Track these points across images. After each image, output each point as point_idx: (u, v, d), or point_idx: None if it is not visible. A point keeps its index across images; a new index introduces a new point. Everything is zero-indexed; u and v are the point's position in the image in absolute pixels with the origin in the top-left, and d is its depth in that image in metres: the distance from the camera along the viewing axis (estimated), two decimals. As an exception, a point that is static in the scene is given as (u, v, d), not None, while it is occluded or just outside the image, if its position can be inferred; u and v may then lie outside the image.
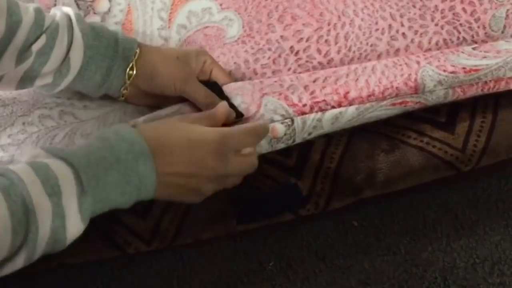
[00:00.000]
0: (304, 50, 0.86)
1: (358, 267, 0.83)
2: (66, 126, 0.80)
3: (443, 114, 0.84)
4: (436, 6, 0.89)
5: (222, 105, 0.75)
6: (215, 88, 0.80)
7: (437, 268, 0.84)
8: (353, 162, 0.80)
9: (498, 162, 0.84)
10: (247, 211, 0.77)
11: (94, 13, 0.88)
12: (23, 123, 0.81)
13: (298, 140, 0.79)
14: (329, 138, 0.81)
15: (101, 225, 0.70)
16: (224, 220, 0.77)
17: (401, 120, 0.83)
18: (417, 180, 0.82)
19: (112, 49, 0.77)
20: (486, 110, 0.84)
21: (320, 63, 0.86)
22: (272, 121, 0.77)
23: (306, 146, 0.81)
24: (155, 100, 0.82)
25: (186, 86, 0.79)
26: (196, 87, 0.79)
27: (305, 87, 0.79)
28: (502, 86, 0.83)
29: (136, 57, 0.78)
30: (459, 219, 0.87)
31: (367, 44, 0.87)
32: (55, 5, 0.87)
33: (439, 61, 0.81)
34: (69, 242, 0.61)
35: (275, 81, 0.80)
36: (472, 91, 0.82)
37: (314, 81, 0.80)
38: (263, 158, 0.79)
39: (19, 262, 0.59)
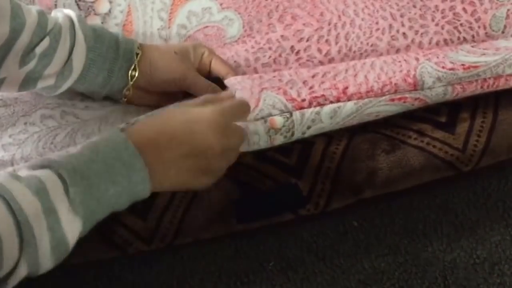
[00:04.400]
0: (305, 49, 0.86)
1: (358, 267, 0.83)
2: (67, 126, 0.81)
3: (444, 114, 0.84)
4: (436, 6, 0.89)
5: (226, 92, 0.76)
6: (217, 83, 0.81)
7: (437, 268, 0.84)
8: (354, 162, 0.80)
9: (498, 162, 0.84)
10: (247, 210, 0.77)
11: (95, 14, 0.88)
12: (25, 123, 0.81)
13: (297, 133, 0.79)
14: (329, 138, 0.81)
15: (101, 225, 0.70)
16: (224, 220, 0.77)
17: (401, 120, 0.83)
18: (417, 180, 0.82)
19: (113, 51, 0.77)
20: (487, 110, 0.84)
21: (321, 62, 0.86)
22: (271, 115, 0.77)
23: (307, 146, 0.81)
24: (157, 99, 0.82)
25: (187, 79, 0.79)
26: (196, 79, 0.80)
27: (304, 82, 0.79)
28: (502, 84, 0.83)
29: (138, 58, 0.78)
30: (459, 219, 0.87)
31: (367, 44, 0.87)
32: (55, 5, 0.87)
33: (438, 57, 0.81)
34: (71, 241, 0.60)
35: (274, 76, 0.80)
36: (472, 88, 0.82)
37: (313, 76, 0.80)
38: (263, 158, 0.79)
39: (23, 271, 0.58)
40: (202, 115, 0.68)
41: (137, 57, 0.78)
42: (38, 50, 0.73)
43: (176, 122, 0.68)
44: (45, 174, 0.60)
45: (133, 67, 0.78)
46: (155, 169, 0.66)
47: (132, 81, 0.79)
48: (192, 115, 0.69)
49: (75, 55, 0.75)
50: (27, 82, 0.75)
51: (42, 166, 0.61)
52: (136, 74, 0.78)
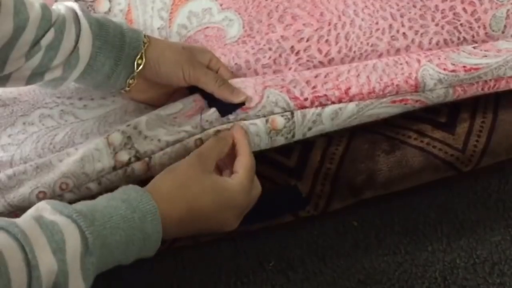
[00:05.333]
0: (305, 50, 0.86)
1: (358, 267, 0.83)
2: (66, 126, 0.80)
3: (444, 115, 0.84)
4: (436, 6, 0.89)
5: (227, 134, 0.76)
6: None
7: (437, 268, 0.84)
8: (354, 163, 0.80)
9: (498, 162, 0.84)
10: (248, 212, 0.77)
11: (95, 13, 0.88)
12: (24, 123, 0.81)
13: (298, 135, 0.79)
14: (329, 139, 0.81)
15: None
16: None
17: (401, 120, 0.83)
18: (417, 180, 0.82)
19: (118, 39, 0.76)
20: (487, 111, 0.84)
21: (321, 62, 0.86)
22: (272, 113, 0.77)
23: (306, 147, 0.81)
24: (160, 95, 0.82)
25: (195, 70, 0.78)
26: (205, 70, 0.79)
27: (307, 82, 0.79)
28: (502, 85, 0.83)
29: (145, 47, 0.77)
30: (459, 219, 0.87)
31: (367, 44, 0.86)
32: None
33: (439, 59, 0.81)
34: None
35: (277, 76, 0.80)
36: (473, 90, 0.82)
37: (315, 77, 0.80)
38: (264, 159, 0.79)
39: None
40: (233, 192, 0.71)
41: (144, 45, 0.77)
42: (44, 42, 0.72)
43: (206, 201, 0.70)
44: (69, 230, 0.60)
45: (139, 55, 0.77)
46: (170, 235, 0.69)
47: (138, 69, 0.77)
48: (224, 193, 0.71)
49: (81, 43, 0.74)
50: (35, 75, 0.75)
51: (69, 216, 0.62)
52: (143, 63, 0.77)
